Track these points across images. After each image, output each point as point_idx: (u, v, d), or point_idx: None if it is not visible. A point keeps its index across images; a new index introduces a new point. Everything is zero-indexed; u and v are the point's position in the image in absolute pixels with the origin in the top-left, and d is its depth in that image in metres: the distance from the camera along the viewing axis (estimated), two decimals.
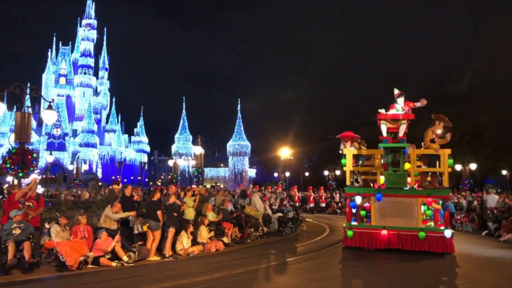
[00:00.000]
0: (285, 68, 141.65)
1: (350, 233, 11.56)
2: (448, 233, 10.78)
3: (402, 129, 11.34)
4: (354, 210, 12.21)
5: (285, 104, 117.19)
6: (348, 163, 12.18)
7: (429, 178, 12.12)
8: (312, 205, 28.29)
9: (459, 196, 21.08)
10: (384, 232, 11.11)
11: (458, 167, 32.75)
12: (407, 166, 11.57)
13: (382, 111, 11.52)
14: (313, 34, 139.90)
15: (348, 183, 12.26)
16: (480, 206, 18.71)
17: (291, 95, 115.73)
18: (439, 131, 11.65)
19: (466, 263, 9.98)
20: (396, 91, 11.54)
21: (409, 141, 11.74)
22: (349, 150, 12.25)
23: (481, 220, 17.40)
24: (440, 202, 11.48)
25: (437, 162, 11.59)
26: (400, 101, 11.45)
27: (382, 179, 12.04)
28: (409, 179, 11.70)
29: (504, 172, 41.53)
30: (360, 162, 12.58)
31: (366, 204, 11.91)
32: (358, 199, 11.57)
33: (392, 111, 11.46)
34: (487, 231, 15.77)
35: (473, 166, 32.92)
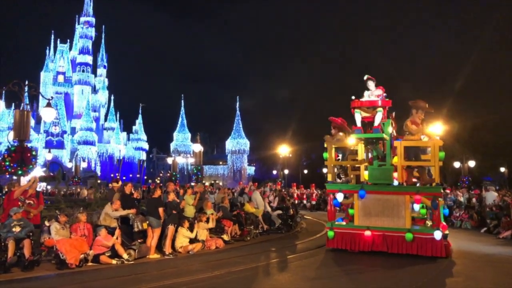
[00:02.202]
0: (285, 65, 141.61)
1: (331, 234, 10.71)
2: (438, 234, 9.70)
3: (378, 117, 10.09)
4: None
5: (284, 101, 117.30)
6: (330, 157, 11.29)
7: (417, 173, 11.19)
8: (314, 202, 28.30)
9: (457, 193, 21.11)
10: (367, 233, 10.20)
11: (457, 164, 32.83)
12: (395, 160, 10.60)
13: (365, 98, 10.42)
14: (315, 30, 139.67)
15: (330, 178, 11.32)
16: (479, 203, 18.78)
17: (290, 92, 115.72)
18: (418, 120, 10.60)
19: (466, 260, 9.99)
20: (366, 77, 10.60)
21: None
22: (330, 143, 11.36)
23: (480, 217, 17.45)
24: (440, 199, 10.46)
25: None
26: (371, 85, 10.52)
27: (366, 174, 11.08)
28: (396, 174, 10.67)
29: (502, 169, 41.61)
30: (340, 155, 11.78)
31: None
32: (340, 196, 10.74)
33: (366, 98, 10.43)
34: (486, 228, 15.81)
35: (471, 164, 32.99)
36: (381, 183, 10.53)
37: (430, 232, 9.95)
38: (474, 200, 19.53)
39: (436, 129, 20.14)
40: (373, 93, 10.55)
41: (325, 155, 11.34)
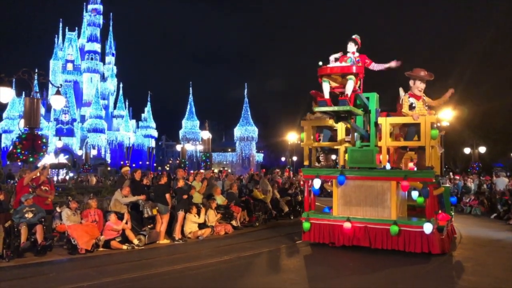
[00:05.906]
0: (294, 50, 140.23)
1: (306, 225, 9.51)
2: (428, 227, 8.24)
3: (350, 86, 7.79)
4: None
5: (292, 87, 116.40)
6: (306, 138, 10.19)
7: (414, 155, 10.13)
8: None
9: (467, 178, 21.01)
10: (347, 224, 8.89)
11: (467, 150, 32.55)
12: (383, 140, 9.25)
13: (334, 64, 8.21)
14: (325, 16, 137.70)
15: (306, 163, 10.15)
16: (489, 189, 18.68)
17: (299, 78, 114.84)
18: (418, 92, 9.12)
19: (475, 246, 9.97)
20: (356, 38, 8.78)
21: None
22: (307, 122, 10.23)
23: (490, 203, 17.37)
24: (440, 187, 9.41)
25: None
26: (351, 47, 8.69)
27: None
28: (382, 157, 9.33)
29: None
30: (322, 136, 10.54)
31: None
32: (317, 183, 9.43)
33: (337, 63, 8.23)
34: (496, 214, 15.75)
35: (482, 150, 32.68)
36: (363, 167, 9.11)
37: (419, 224, 8.48)
38: (484, 186, 19.44)
39: (446, 115, 19.95)
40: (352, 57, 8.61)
41: (302, 135, 10.32)
